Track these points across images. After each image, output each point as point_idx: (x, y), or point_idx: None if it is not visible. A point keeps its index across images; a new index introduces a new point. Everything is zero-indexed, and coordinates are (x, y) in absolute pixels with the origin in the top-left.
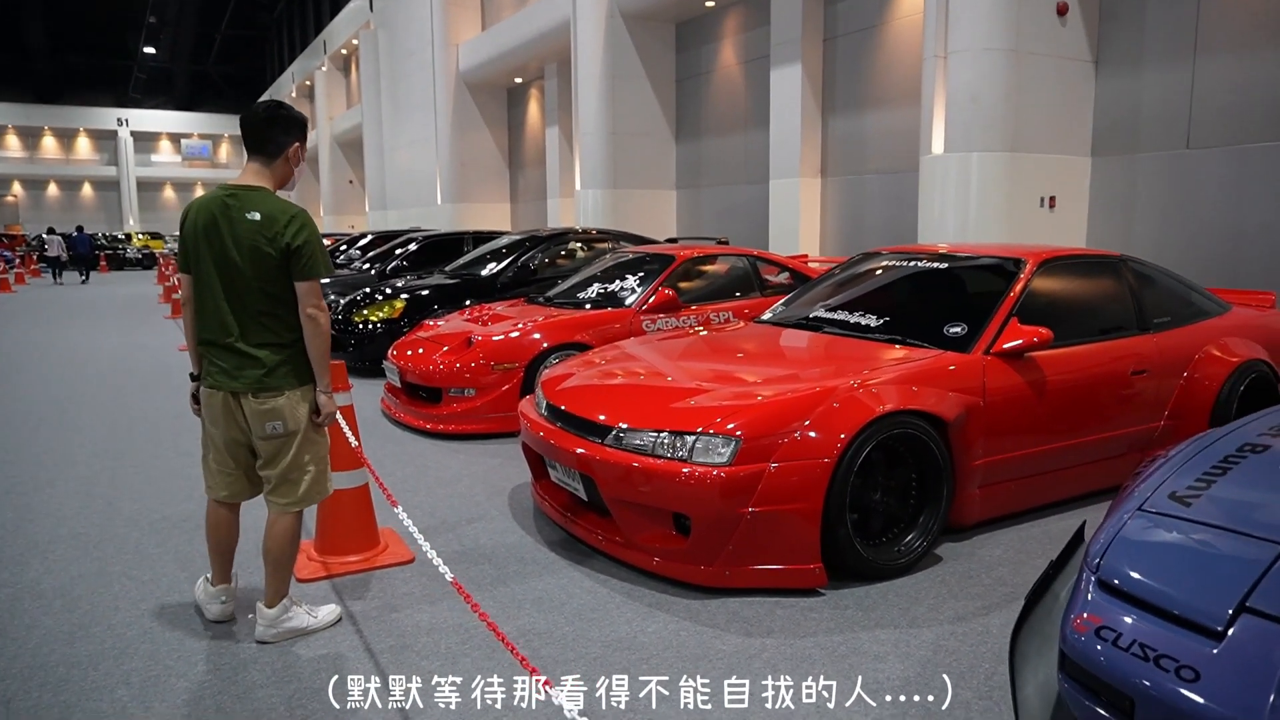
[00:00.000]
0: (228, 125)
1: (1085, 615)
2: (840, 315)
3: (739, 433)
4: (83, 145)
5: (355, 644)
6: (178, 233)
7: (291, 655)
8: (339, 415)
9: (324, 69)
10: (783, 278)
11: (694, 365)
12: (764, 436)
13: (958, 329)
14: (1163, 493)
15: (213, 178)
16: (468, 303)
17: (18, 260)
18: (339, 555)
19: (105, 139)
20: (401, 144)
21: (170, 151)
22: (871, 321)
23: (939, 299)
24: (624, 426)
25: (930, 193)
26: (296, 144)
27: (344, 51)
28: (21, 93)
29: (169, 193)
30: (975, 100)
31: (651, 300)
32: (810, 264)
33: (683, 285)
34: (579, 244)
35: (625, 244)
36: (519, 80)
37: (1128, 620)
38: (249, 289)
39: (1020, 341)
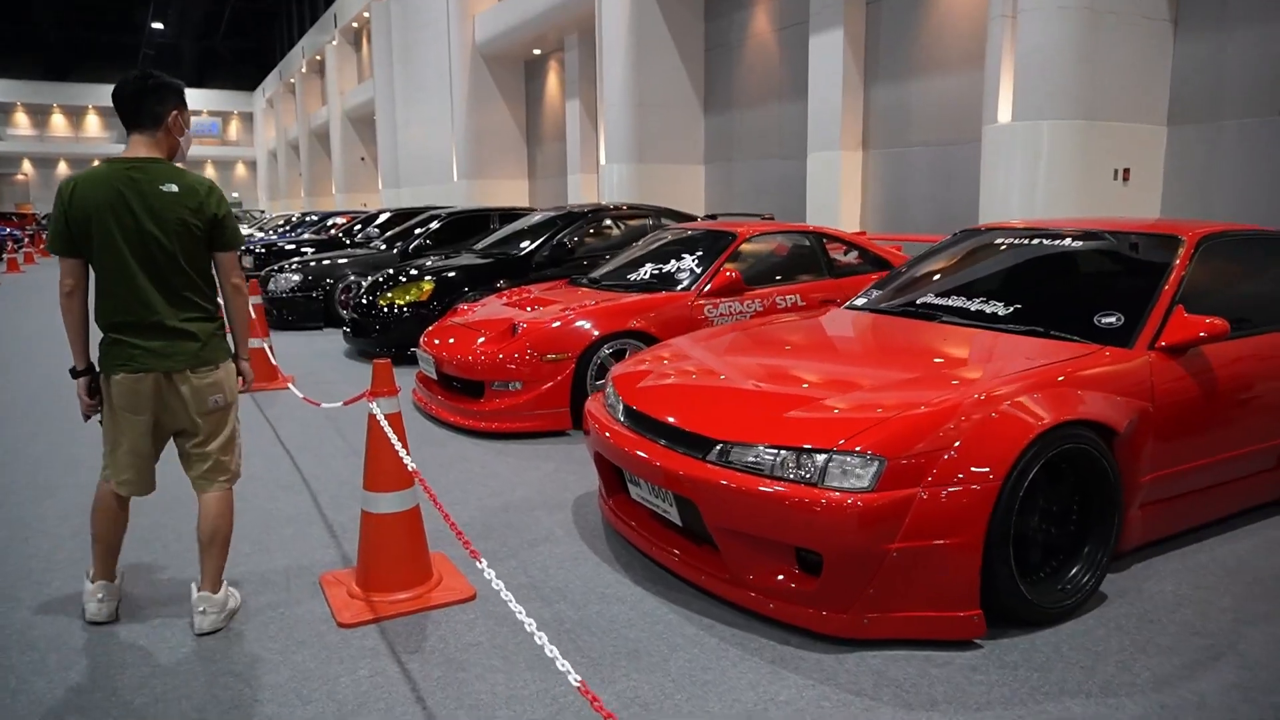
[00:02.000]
0: (237, 102)
1: None
2: (957, 302)
3: (881, 452)
4: (92, 122)
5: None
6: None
7: None
8: (386, 425)
9: (335, 43)
10: (851, 257)
11: (797, 363)
12: (910, 455)
13: (1111, 319)
14: None
15: (221, 155)
16: (500, 284)
17: (26, 240)
18: (386, 592)
19: (114, 116)
20: (415, 119)
21: None
22: (999, 309)
23: (1075, 283)
24: (732, 440)
25: (994, 164)
26: (175, 111)
27: (355, 25)
28: (30, 69)
29: None
30: (1046, 64)
31: (712, 283)
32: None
33: (741, 266)
34: (616, 220)
35: (665, 220)
36: (538, 52)
37: None
38: (170, 264)
39: (1193, 334)
